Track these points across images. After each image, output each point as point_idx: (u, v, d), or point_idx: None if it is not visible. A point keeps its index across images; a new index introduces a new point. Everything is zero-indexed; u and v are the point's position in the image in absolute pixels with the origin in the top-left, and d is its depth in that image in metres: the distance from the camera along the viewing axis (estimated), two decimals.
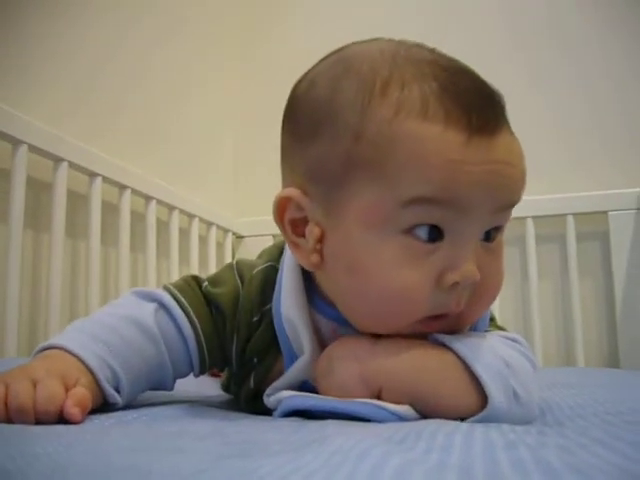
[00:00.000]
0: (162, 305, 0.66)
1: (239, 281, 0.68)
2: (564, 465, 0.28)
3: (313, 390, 0.59)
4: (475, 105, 0.54)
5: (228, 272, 0.70)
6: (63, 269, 1.24)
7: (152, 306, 0.65)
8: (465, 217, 0.54)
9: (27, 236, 1.22)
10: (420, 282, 0.54)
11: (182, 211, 1.68)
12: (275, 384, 0.62)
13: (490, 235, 0.57)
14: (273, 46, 2.14)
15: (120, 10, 1.56)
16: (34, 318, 1.25)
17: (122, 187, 1.44)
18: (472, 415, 0.52)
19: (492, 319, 0.70)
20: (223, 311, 0.67)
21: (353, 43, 0.62)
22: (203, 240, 1.82)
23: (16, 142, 1.15)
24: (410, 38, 0.60)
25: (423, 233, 0.54)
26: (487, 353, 0.55)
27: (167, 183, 1.61)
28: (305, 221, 0.59)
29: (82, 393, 0.51)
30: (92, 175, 1.34)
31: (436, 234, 0.54)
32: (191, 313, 0.66)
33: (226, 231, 1.96)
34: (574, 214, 1.76)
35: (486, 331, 0.65)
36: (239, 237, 2.07)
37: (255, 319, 0.66)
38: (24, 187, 1.15)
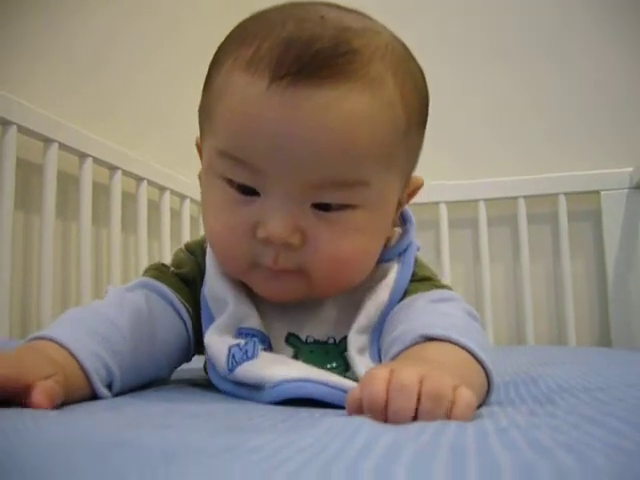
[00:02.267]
0: (152, 290, 0.65)
1: (194, 257, 0.70)
2: (555, 443, 0.28)
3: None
4: (292, 51, 0.51)
5: (181, 254, 0.72)
6: (54, 251, 1.23)
7: (142, 292, 0.65)
8: (271, 182, 0.54)
9: (18, 218, 1.21)
10: (232, 227, 0.56)
11: (173, 192, 1.67)
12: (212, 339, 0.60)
13: (327, 206, 0.55)
14: None
15: (129, 5, 1.55)
16: (26, 300, 1.24)
17: (112, 168, 1.43)
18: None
19: (427, 278, 0.66)
20: (197, 287, 0.67)
21: None
22: (195, 220, 1.81)
23: (5, 123, 1.14)
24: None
25: (237, 186, 0.56)
26: (474, 334, 0.54)
27: (161, 165, 1.61)
28: None
29: (51, 385, 0.47)
30: (82, 156, 1.34)
31: (250, 189, 0.56)
32: (177, 295, 0.66)
33: None
34: (566, 194, 1.76)
35: (410, 292, 0.63)
36: None
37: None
38: (14, 169, 1.14)
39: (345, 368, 0.61)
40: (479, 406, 0.48)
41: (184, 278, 0.68)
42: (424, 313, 0.58)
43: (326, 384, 0.52)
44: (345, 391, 0.51)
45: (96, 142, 1.36)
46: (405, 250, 0.65)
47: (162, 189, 1.63)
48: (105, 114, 1.48)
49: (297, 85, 0.50)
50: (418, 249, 0.68)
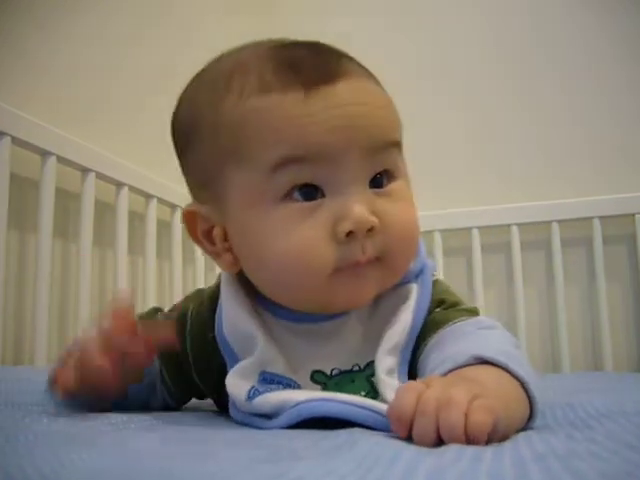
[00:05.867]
0: None
1: (190, 304, 0.70)
2: (595, 472, 0.28)
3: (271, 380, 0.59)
4: (305, 65, 0.57)
5: (184, 299, 0.73)
6: (91, 277, 1.26)
7: None
8: (334, 166, 0.56)
9: (56, 245, 1.24)
10: (312, 237, 0.56)
11: None
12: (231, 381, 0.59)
13: (380, 182, 0.59)
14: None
15: (137, 8, 1.55)
16: (63, 324, 1.27)
17: (148, 196, 1.46)
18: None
19: (456, 304, 0.66)
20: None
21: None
22: None
23: (44, 153, 1.17)
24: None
25: (299, 195, 0.57)
26: (523, 364, 0.54)
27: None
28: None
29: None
30: (118, 185, 1.37)
31: (314, 192, 0.57)
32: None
33: None
34: (600, 217, 1.75)
35: (449, 319, 0.63)
36: None
37: (211, 335, 0.65)
38: (53, 197, 1.18)
39: (374, 395, 0.60)
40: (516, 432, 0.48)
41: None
42: (475, 338, 0.59)
43: (349, 403, 0.52)
44: (370, 409, 0.51)
45: (132, 170, 1.40)
46: (421, 271, 0.66)
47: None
48: (135, 138, 1.48)
49: (331, 82, 0.56)
50: (434, 269, 0.68)
